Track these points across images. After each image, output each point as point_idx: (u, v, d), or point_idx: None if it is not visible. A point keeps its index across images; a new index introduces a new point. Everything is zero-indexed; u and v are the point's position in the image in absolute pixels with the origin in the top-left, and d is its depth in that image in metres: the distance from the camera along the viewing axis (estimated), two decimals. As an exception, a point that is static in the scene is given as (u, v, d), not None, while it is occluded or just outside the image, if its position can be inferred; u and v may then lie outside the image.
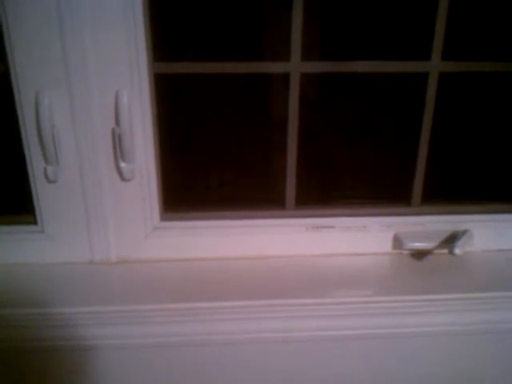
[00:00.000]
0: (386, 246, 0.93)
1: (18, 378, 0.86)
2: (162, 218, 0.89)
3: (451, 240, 0.90)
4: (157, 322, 0.82)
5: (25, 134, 0.80)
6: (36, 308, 0.80)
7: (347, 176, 1.01)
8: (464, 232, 0.90)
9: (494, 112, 0.96)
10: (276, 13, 0.89)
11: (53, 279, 0.86)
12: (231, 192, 0.95)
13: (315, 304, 0.83)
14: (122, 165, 0.82)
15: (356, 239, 0.92)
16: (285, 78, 0.83)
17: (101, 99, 0.78)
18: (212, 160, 0.94)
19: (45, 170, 0.81)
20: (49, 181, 0.82)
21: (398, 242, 0.92)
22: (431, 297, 0.84)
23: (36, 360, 0.84)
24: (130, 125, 0.79)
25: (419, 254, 0.92)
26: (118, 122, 0.79)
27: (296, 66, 0.82)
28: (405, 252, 0.93)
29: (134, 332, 0.83)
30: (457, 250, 0.85)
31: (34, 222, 0.87)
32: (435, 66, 0.85)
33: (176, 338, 0.84)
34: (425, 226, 0.93)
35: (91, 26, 0.74)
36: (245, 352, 0.87)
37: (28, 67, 0.76)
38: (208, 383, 0.89)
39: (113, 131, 0.80)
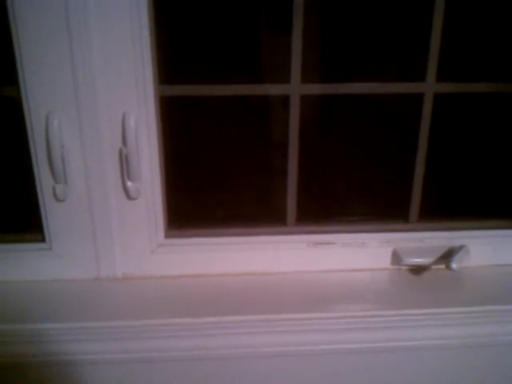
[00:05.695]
0: (385, 261, 0.94)
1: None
2: (167, 236, 0.90)
3: (448, 255, 0.91)
4: (161, 337, 0.83)
5: (34, 153, 0.82)
6: (42, 323, 0.81)
7: (347, 193, 1.03)
8: (461, 247, 0.91)
9: (490, 130, 0.98)
10: (276, 36, 0.92)
11: (59, 295, 0.87)
12: (233, 210, 0.97)
13: (315, 318, 0.84)
14: (129, 184, 0.83)
15: (356, 255, 0.93)
16: (285, 98, 0.85)
17: (108, 121, 0.80)
18: (215, 179, 0.96)
19: (53, 188, 0.83)
20: (57, 199, 0.84)
21: (396, 257, 0.93)
22: (429, 311, 0.85)
23: (41, 374, 0.85)
24: (137, 145, 0.81)
25: (417, 270, 0.93)
26: (125, 142, 0.81)
27: (296, 88, 0.85)
28: (403, 267, 0.94)
29: (138, 347, 0.84)
30: (454, 265, 0.87)
31: (42, 240, 0.88)
32: (430, 86, 0.88)
33: (180, 353, 0.85)
34: (423, 242, 0.94)
35: (100, 51, 0.77)
36: (244, 366, 0.88)
37: (38, 90, 0.78)
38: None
39: (120, 151, 0.82)
